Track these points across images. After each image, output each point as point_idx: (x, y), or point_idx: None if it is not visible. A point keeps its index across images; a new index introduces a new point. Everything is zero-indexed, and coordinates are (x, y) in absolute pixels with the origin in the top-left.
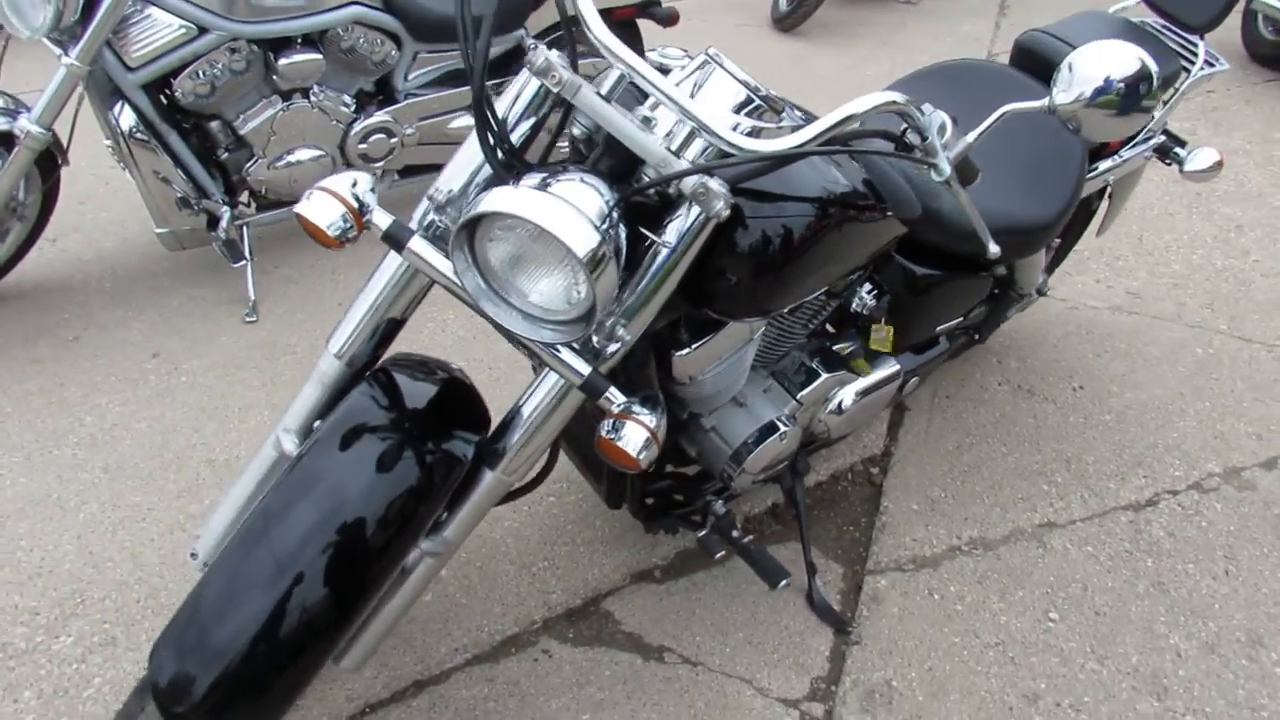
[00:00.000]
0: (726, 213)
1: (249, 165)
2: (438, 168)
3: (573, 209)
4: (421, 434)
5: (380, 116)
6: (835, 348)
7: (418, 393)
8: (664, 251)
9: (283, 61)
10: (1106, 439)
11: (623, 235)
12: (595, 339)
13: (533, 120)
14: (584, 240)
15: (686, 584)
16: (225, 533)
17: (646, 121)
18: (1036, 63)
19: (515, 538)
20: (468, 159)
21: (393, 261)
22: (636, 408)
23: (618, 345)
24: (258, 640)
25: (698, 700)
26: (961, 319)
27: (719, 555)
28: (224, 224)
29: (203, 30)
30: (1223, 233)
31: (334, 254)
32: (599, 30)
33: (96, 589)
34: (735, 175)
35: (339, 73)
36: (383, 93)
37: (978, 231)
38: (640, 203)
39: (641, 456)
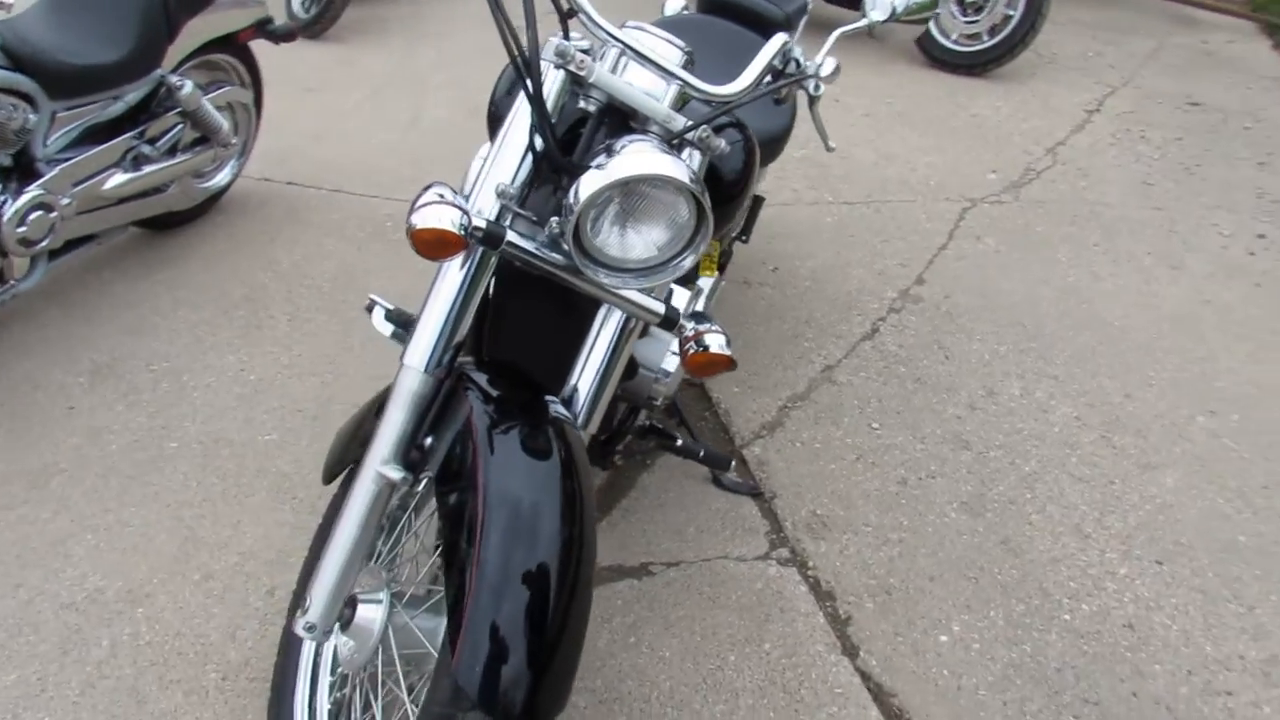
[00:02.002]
0: (728, 149)
1: None
2: (93, 238)
3: (661, 156)
4: (535, 414)
5: (33, 192)
6: None
7: (497, 382)
8: None
9: None
10: (818, 298)
11: None
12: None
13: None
14: (684, 172)
15: (620, 511)
16: (337, 593)
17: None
18: (719, 9)
19: None
20: (512, 155)
21: (453, 272)
22: (702, 324)
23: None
24: (529, 647)
25: (703, 586)
26: (742, 225)
27: (702, 457)
28: None
29: None
30: None
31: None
32: (598, 18)
33: None
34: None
35: None
36: (19, 165)
37: (821, 137)
38: None
39: (732, 354)
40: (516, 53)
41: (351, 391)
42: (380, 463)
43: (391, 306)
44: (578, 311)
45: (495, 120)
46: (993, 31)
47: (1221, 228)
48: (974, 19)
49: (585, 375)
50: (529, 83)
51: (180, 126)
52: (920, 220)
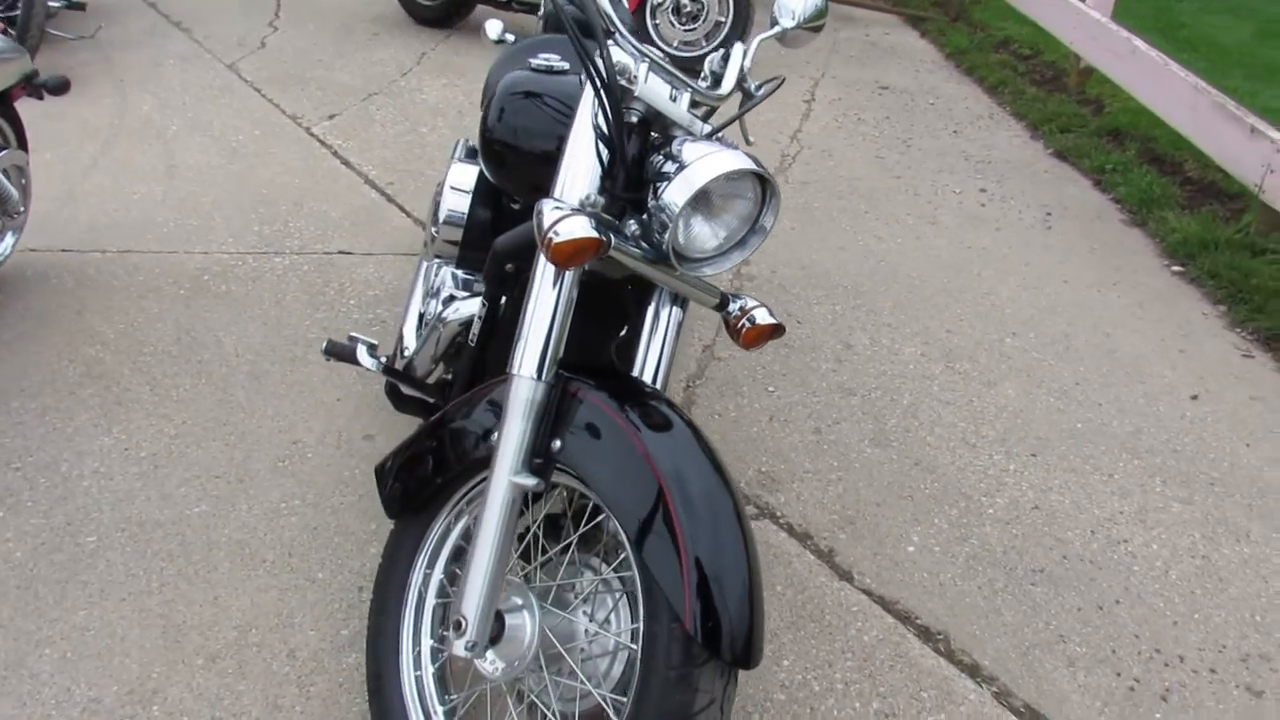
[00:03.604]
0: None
1: None
2: None
3: (726, 153)
4: (644, 395)
5: None
6: None
7: (595, 376)
8: None
9: None
10: None
11: None
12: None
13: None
14: (749, 161)
15: None
16: (488, 607)
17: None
18: (559, 25)
19: None
20: (585, 170)
21: (546, 287)
22: (746, 302)
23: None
24: (740, 599)
25: None
26: None
27: None
28: None
29: None
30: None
31: None
32: (630, 36)
33: None
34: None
35: None
36: None
37: (743, 132)
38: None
39: (779, 321)
40: (599, 78)
41: (266, 448)
42: (511, 474)
43: (375, 341)
44: (617, 305)
45: (489, 144)
46: (708, 38)
47: (952, 187)
48: (691, 26)
49: (649, 358)
50: (607, 103)
51: None
52: None
